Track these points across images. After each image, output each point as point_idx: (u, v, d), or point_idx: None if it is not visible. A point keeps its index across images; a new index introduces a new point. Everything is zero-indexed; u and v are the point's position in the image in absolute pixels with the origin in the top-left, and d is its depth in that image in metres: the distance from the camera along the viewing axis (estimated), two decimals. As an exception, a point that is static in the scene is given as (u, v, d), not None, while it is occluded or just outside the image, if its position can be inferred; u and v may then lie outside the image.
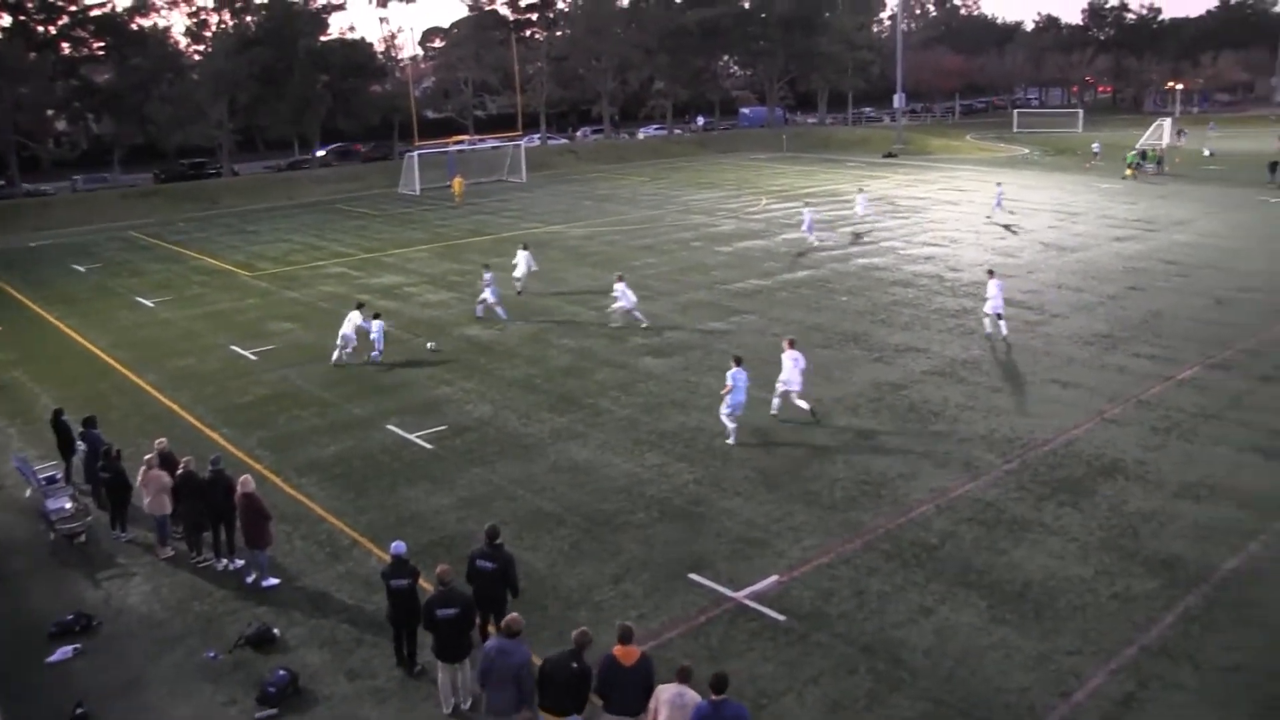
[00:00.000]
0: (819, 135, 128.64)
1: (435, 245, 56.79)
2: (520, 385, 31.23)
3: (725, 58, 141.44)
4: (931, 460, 24.56)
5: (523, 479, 24.30)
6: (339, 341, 34.11)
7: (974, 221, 58.90)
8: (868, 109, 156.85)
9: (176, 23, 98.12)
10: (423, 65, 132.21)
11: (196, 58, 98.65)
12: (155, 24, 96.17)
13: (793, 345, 27.60)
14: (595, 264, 49.60)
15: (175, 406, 30.76)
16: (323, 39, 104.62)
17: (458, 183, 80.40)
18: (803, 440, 25.99)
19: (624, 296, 37.29)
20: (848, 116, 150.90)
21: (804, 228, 53.56)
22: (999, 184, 64.20)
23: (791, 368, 27.09)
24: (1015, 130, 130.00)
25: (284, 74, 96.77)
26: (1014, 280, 42.51)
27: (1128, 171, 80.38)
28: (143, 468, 21.35)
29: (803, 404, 27.14)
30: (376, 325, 34.16)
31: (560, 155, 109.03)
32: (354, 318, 34.21)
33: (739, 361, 25.98)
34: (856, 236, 55.43)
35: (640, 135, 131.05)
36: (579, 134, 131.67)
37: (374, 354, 34.06)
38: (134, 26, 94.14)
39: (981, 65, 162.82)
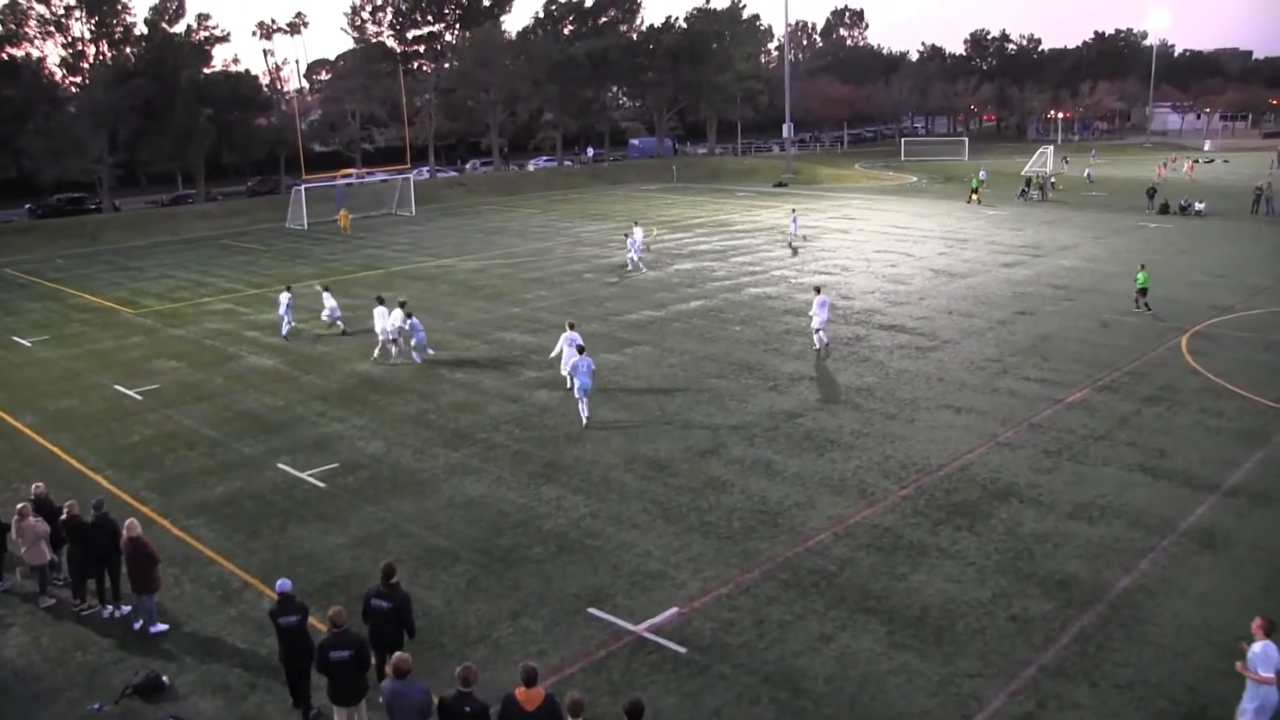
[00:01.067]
0: (709, 165, 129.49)
1: (325, 280, 55.85)
2: (413, 421, 30.80)
3: (614, 88, 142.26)
4: (828, 488, 24.66)
5: (417, 516, 23.90)
6: (390, 336, 37.20)
7: (864, 250, 59.72)
8: (756, 140, 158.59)
9: (51, 53, 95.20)
10: (309, 98, 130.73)
11: (74, 90, 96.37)
12: (28, 54, 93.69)
13: (572, 327, 33.09)
14: (486, 297, 49.22)
15: (56, 449, 29.73)
16: (206, 71, 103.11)
17: (343, 215, 79.85)
18: (699, 470, 25.96)
19: (328, 303, 42.24)
20: (737, 146, 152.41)
21: (631, 250, 55.69)
22: (794, 209, 68.19)
23: (568, 349, 31.62)
24: (903, 158, 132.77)
25: (166, 107, 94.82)
26: (905, 307, 43.25)
27: (973, 196, 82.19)
28: (15, 517, 20.52)
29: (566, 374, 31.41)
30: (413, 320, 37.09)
31: (450, 188, 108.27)
32: (396, 316, 37.11)
33: (581, 350, 29.82)
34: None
35: (530, 167, 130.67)
36: (468, 166, 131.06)
37: (417, 352, 37.17)
38: (4, 56, 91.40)
39: (869, 94, 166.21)
